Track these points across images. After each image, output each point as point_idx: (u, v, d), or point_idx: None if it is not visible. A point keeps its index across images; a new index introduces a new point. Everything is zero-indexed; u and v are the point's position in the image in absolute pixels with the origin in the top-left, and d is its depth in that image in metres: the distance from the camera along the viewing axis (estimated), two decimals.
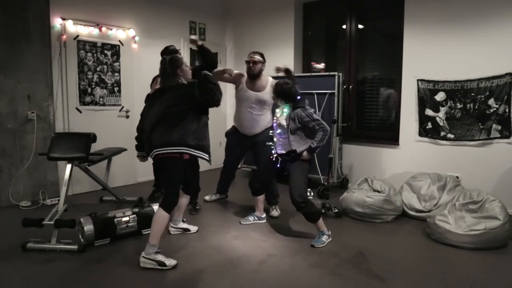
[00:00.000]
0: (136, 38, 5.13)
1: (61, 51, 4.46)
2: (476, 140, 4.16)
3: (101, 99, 4.86)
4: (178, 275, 2.65)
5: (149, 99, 3.10)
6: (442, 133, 4.38)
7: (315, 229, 3.26)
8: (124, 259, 2.87)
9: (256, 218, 3.72)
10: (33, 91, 4.28)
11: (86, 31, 4.64)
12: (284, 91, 3.23)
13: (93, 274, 2.64)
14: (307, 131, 3.23)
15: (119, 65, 5.00)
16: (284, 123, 3.24)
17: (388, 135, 4.93)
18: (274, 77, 3.91)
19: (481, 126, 4.12)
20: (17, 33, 4.12)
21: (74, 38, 4.55)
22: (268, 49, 5.40)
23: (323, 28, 5.87)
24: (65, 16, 4.46)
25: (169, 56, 2.91)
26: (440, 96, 4.34)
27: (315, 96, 4.90)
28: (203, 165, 4.14)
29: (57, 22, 4.41)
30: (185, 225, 3.45)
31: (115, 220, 3.19)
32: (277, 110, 3.37)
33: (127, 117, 5.10)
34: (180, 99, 2.81)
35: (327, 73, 5.04)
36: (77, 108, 4.66)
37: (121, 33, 4.97)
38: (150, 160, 3.27)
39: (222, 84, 3.17)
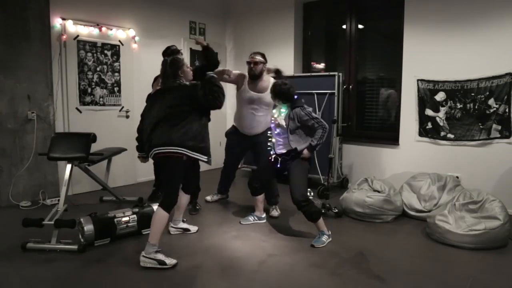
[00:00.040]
0: (136, 38, 5.13)
1: (61, 51, 4.47)
2: (476, 140, 4.16)
3: (101, 99, 4.86)
4: (178, 275, 2.65)
5: (150, 99, 3.11)
6: (442, 133, 4.38)
7: (315, 229, 3.27)
8: (124, 259, 2.87)
9: (256, 218, 3.72)
10: (33, 91, 4.28)
11: (86, 31, 4.64)
12: (283, 91, 3.24)
13: (93, 274, 2.64)
14: (306, 130, 3.25)
15: (119, 65, 5.00)
16: (283, 123, 3.24)
17: (388, 135, 4.93)
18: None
19: (481, 126, 4.12)
20: (17, 33, 4.12)
21: (74, 38, 4.55)
22: (268, 49, 5.39)
23: (323, 28, 5.87)
24: (65, 16, 4.46)
25: (170, 57, 2.93)
26: (440, 96, 4.34)
27: (315, 96, 4.90)
28: (203, 165, 4.13)
29: (57, 22, 4.41)
30: (185, 225, 3.45)
31: (115, 220, 3.19)
32: (274, 111, 3.38)
33: (127, 117, 5.10)
34: (182, 100, 2.82)
35: (327, 73, 5.04)
36: (77, 108, 4.66)
37: (121, 33, 4.97)
38: (150, 160, 3.27)
39: (221, 84, 3.18)
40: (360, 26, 5.23)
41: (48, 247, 2.97)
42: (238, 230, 3.53)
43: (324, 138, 3.18)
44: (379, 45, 5.35)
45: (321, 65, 5.87)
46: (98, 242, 3.09)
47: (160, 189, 4.37)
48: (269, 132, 3.53)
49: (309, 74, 5.34)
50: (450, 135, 4.33)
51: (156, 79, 4.03)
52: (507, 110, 3.95)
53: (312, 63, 5.87)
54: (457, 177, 4.16)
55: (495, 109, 4.01)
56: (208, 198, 4.40)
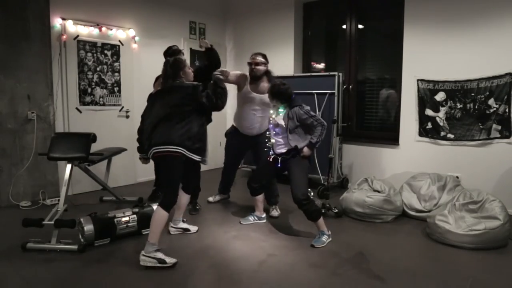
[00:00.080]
0: (136, 38, 5.13)
1: (61, 51, 4.47)
2: (476, 140, 4.16)
3: (101, 99, 4.86)
4: (178, 275, 2.65)
5: (151, 98, 3.11)
6: (442, 133, 4.38)
7: (315, 229, 3.27)
8: (124, 259, 2.87)
9: (256, 218, 3.72)
10: (33, 91, 4.28)
11: (86, 31, 4.64)
12: (281, 92, 3.26)
13: (93, 274, 2.64)
14: (305, 128, 3.26)
15: (119, 65, 5.00)
16: (281, 122, 3.25)
17: (388, 135, 4.93)
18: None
19: (481, 126, 4.12)
20: (17, 33, 4.12)
21: (74, 38, 4.55)
22: (268, 49, 5.39)
23: (323, 28, 5.87)
24: (65, 16, 4.46)
25: (173, 58, 2.94)
26: (440, 96, 4.34)
27: (315, 96, 4.90)
28: (203, 165, 4.15)
29: (57, 22, 4.41)
30: (185, 225, 3.45)
31: (115, 220, 3.19)
32: (272, 111, 3.39)
33: (127, 117, 5.10)
34: (182, 100, 2.84)
35: (327, 73, 5.03)
36: (77, 108, 4.66)
37: (121, 33, 4.97)
38: (152, 161, 3.27)
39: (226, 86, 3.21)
40: (360, 26, 5.23)
41: (48, 247, 2.97)
42: (238, 230, 3.53)
43: (323, 136, 3.20)
44: (379, 45, 5.35)
45: (321, 65, 5.87)
46: (98, 242, 3.09)
47: (160, 189, 4.37)
48: (267, 133, 3.53)
49: (309, 74, 5.34)
50: (450, 135, 4.33)
51: (157, 79, 4.03)
52: (507, 110, 3.95)
53: (312, 63, 5.87)
54: (457, 177, 4.16)
55: (495, 109, 4.01)
56: (210, 199, 4.40)
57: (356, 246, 3.17)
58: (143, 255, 2.73)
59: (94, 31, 4.70)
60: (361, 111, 5.29)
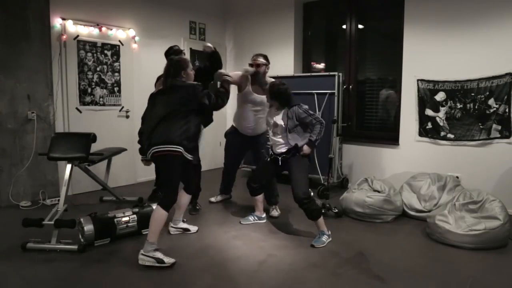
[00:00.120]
0: (136, 38, 5.13)
1: (61, 51, 4.47)
2: (476, 140, 4.16)
3: (101, 99, 4.86)
4: (178, 275, 2.65)
5: (151, 99, 3.12)
6: (442, 133, 4.38)
7: (315, 229, 3.27)
8: (124, 259, 2.87)
9: (256, 218, 3.72)
10: (33, 91, 4.28)
11: (86, 31, 4.64)
12: (281, 92, 3.27)
13: (93, 274, 2.64)
14: (303, 127, 3.29)
15: (119, 65, 5.00)
16: (281, 122, 3.26)
17: (388, 135, 4.93)
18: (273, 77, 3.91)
19: (481, 126, 4.12)
20: (17, 33, 4.12)
21: (74, 38, 4.55)
22: (268, 49, 5.41)
23: (323, 28, 5.87)
24: (65, 16, 4.46)
25: (178, 57, 2.97)
26: (440, 96, 4.34)
27: (315, 96, 4.90)
28: (204, 166, 4.16)
29: (57, 22, 4.41)
30: (185, 225, 3.45)
31: (115, 220, 3.19)
32: (270, 113, 3.39)
33: (127, 117, 5.10)
34: (183, 99, 2.86)
35: (327, 73, 5.03)
36: (77, 108, 4.66)
37: (121, 33, 4.97)
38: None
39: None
40: (360, 26, 5.23)
41: (48, 247, 2.97)
42: (238, 230, 3.53)
43: (322, 133, 3.24)
44: (379, 45, 5.35)
45: (321, 65, 5.87)
46: (98, 242, 3.09)
47: (160, 188, 4.37)
48: (266, 134, 3.54)
49: (309, 74, 5.34)
50: (450, 135, 4.33)
51: (158, 78, 4.03)
52: (507, 110, 3.95)
53: (312, 63, 5.87)
54: (457, 177, 4.16)
55: (495, 109, 4.01)
56: (212, 199, 4.41)
57: (356, 246, 3.17)
58: (142, 254, 2.73)
59: (94, 31, 4.70)
60: (361, 111, 5.29)
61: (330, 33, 5.81)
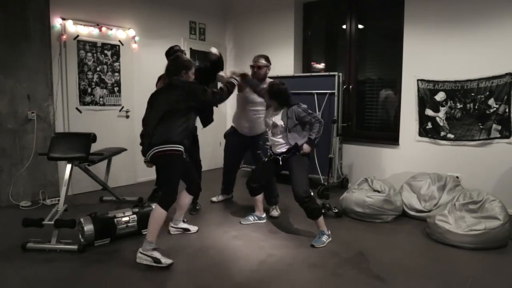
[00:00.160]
0: (136, 38, 5.13)
1: (61, 51, 4.47)
2: (476, 140, 4.16)
3: (101, 99, 4.86)
4: (178, 275, 2.65)
5: (151, 98, 3.13)
6: (442, 133, 4.38)
7: (315, 229, 3.27)
8: (124, 259, 2.87)
9: (256, 218, 3.72)
10: (33, 91, 4.28)
11: (86, 31, 4.64)
12: (281, 91, 3.28)
13: (93, 274, 2.64)
14: (302, 126, 3.30)
15: (119, 65, 5.00)
16: (280, 122, 3.26)
17: (388, 135, 4.93)
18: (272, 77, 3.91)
19: (481, 126, 4.12)
20: (17, 33, 4.12)
21: (74, 38, 4.56)
22: (268, 49, 5.41)
23: (323, 28, 5.87)
24: (65, 16, 4.46)
25: (186, 57, 3.01)
26: (440, 96, 4.34)
27: (315, 96, 4.90)
28: (204, 166, 4.15)
29: (57, 22, 4.41)
30: (185, 225, 3.45)
31: (115, 220, 3.19)
32: (269, 113, 3.39)
33: (127, 117, 5.10)
34: (182, 97, 2.87)
35: (327, 73, 5.03)
36: (77, 108, 4.66)
37: (121, 33, 4.97)
38: None
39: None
40: (360, 26, 5.23)
41: (48, 247, 2.97)
42: (238, 230, 3.52)
43: (321, 132, 3.27)
44: (379, 45, 5.35)
45: (321, 65, 5.87)
46: (98, 242, 3.09)
47: (160, 188, 4.37)
48: (265, 135, 3.55)
49: (309, 74, 5.34)
50: (450, 135, 4.33)
51: (160, 78, 4.03)
52: (507, 110, 3.95)
53: (312, 63, 5.87)
54: (457, 177, 4.16)
55: (495, 109, 4.01)
56: (214, 199, 4.41)
57: (356, 246, 3.17)
58: (140, 252, 2.73)
59: (94, 31, 4.70)
60: (361, 111, 5.29)
61: (330, 33, 5.80)
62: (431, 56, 4.37)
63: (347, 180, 5.13)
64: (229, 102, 5.96)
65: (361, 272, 2.72)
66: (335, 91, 4.77)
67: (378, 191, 3.91)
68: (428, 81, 4.40)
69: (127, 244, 3.14)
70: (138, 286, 2.51)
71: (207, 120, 3.50)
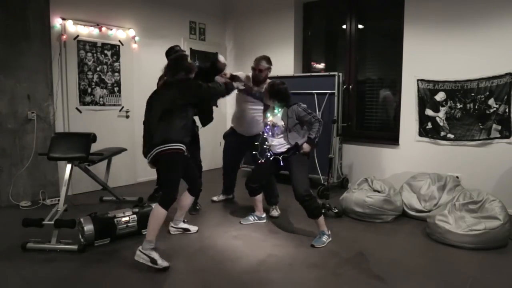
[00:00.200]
0: (136, 38, 5.13)
1: (61, 51, 4.47)
2: (476, 140, 4.16)
3: (101, 99, 4.86)
4: (178, 275, 2.65)
5: (150, 99, 3.13)
6: (442, 133, 4.38)
7: (315, 229, 3.27)
8: (124, 259, 2.87)
9: (256, 218, 3.72)
10: (33, 91, 4.27)
11: (86, 31, 4.64)
12: (281, 91, 3.29)
13: (93, 274, 2.64)
14: (301, 125, 3.31)
15: (119, 65, 5.00)
16: (281, 123, 3.27)
17: (388, 135, 4.93)
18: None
19: (481, 126, 4.12)
20: (17, 33, 4.12)
21: (74, 38, 4.55)
22: (268, 49, 5.41)
23: (323, 28, 5.87)
24: (65, 16, 4.46)
25: (190, 61, 3.05)
26: (440, 96, 4.34)
27: (315, 96, 4.90)
28: (204, 166, 4.15)
29: (57, 22, 4.41)
30: (185, 225, 3.45)
31: (115, 220, 3.19)
32: (268, 114, 3.39)
33: (127, 117, 5.10)
34: (179, 94, 2.88)
35: (327, 73, 5.03)
36: (77, 108, 4.66)
37: (121, 33, 4.97)
38: None
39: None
40: (360, 26, 5.23)
41: (48, 247, 2.97)
42: (238, 230, 3.53)
43: (320, 131, 3.28)
44: (379, 45, 5.35)
45: (321, 65, 5.87)
46: (98, 242, 3.09)
47: (160, 188, 4.36)
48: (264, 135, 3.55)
49: (309, 74, 5.34)
50: (450, 135, 4.32)
51: (161, 78, 4.02)
52: (507, 110, 3.95)
53: (312, 63, 5.87)
54: (457, 177, 4.16)
55: (495, 109, 4.01)
56: (215, 198, 4.42)
57: (356, 246, 3.17)
58: (139, 250, 2.73)
59: (94, 31, 4.70)
60: (361, 111, 5.29)
61: (330, 33, 5.80)
62: (431, 56, 4.37)
63: (347, 180, 5.13)
64: (229, 102, 5.98)
65: (361, 272, 2.72)
66: (335, 91, 4.77)
67: (378, 191, 3.91)
68: (428, 81, 4.40)
69: (127, 244, 3.14)
70: (138, 286, 2.51)
71: (207, 119, 3.51)
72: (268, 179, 3.70)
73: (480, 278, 2.63)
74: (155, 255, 2.70)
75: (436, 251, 3.11)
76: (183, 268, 2.74)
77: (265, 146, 3.50)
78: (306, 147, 3.26)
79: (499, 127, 4.01)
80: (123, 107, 5.07)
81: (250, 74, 3.90)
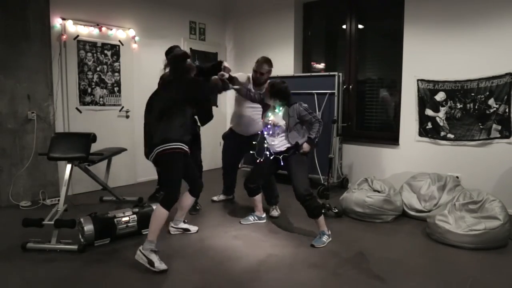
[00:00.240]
0: (136, 38, 5.13)
1: (61, 51, 4.47)
2: (476, 140, 4.16)
3: (101, 99, 4.86)
4: (178, 275, 2.65)
5: (150, 99, 3.14)
6: (442, 133, 4.38)
7: (316, 229, 3.27)
8: (124, 259, 2.87)
9: (256, 218, 3.72)
10: (33, 91, 4.27)
11: (86, 31, 4.64)
12: (281, 90, 3.29)
13: (93, 274, 2.64)
14: (301, 125, 3.32)
15: (119, 65, 5.00)
16: (282, 122, 3.26)
17: (388, 135, 4.93)
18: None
19: (481, 126, 4.12)
20: (17, 33, 4.12)
21: (74, 38, 4.55)
22: (268, 49, 5.42)
23: (323, 28, 5.87)
24: (65, 16, 4.46)
25: (189, 61, 3.03)
26: (440, 96, 4.34)
27: (315, 96, 4.90)
28: (205, 166, 4.16)
29: (57, 22, 4.41)
30: (185, 225, 3.45)
31: (115, 220, 3.19)
32: (269, 113, 3.39)
33: (127, 117, 5.10)
34: (178, 92, 2.88)
35: (327, 73, 5.04)
36: (77, 108, 4.66)
37: (121, 33, 4.97)
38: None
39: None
40: (360, 26, 5.23)
41: (48, 247, 2.97)
42: (238, 230, 3.53)
43: (320, 132, 3.29)
44: (379, 45, 5.35)
45: (321, 65, 5.87)
46: (98, 242, 3.09)
47: (161, 188, 4.36)
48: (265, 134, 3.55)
49: (309, 74, 5.34)
50: (450, 135, 4.33)
51: (162, 78, 4.02)
52: (507, 110, 3.95)
53: (312, 63, 5.87)
54: (457, 177, 4.16)
55: (495, 109, 4.01)
56: (215, 198, 4.43)
57: (356, 246, 3.17)
58: (140, 250, 2.72)
59: (94, 31, 4.70)
60: (361, 111, 5.29)
61: (330, 33, 5.80)
62: (431, 56, 4.37)
63: (347, 180, 5.13)
64: (229, 102, 5.98)
65: (361, 272, 2.72)
66: (335, 91, 4.77)
67: (378, 191, 3.91)
68: (428, 81, 4.40)
69: (127, 244, 3.14)
70: (137, 286, 2.51)
71: (206, 117, 3.50)
72: (267, 179, 3.70)
73: (480, 278, 2.63)
74: (153, 257, 2.69)
75: (436, 251, 3.11)
76: (183, 268, 2.74)
77: (264, 146, 3.50)
78: (306, 147, 3.27)
79: (499, 127, 4.02)
80: (123, 107, 5.07)
81: (250, 74, 3.90)
